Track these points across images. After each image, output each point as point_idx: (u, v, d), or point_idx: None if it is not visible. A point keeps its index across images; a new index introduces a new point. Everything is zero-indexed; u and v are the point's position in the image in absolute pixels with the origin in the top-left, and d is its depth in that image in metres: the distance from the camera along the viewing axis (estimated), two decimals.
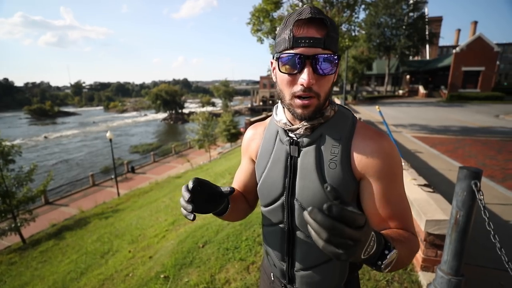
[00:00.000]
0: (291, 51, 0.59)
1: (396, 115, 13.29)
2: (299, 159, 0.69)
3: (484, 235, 2.39)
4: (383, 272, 0.50)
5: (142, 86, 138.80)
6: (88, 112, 77.22)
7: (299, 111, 0.63)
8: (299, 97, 0.61)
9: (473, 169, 1.38)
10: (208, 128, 19.16)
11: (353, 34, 9.80)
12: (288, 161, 0.70)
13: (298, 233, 0.72)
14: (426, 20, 27.25)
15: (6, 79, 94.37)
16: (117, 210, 9.12)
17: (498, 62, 25.01)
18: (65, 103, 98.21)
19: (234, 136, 21.09)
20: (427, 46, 33.92)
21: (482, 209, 1.27)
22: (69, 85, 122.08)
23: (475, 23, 48.77)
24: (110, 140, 13.80)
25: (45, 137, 37.13)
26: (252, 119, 22.53)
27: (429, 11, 33.81)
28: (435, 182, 3.93)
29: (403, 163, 3.03)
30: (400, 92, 30.60)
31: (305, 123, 0.67)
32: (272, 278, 0.85)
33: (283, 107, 0.73)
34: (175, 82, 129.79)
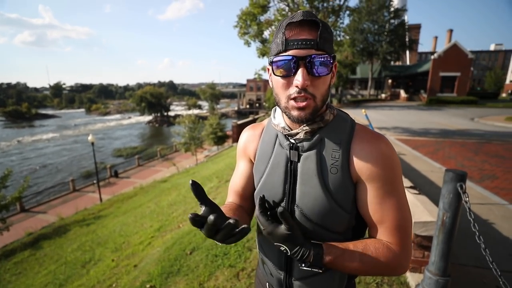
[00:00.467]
0: (284, 54, 0.59)
1: (380, 118, 13.69)
2: (299, 164, 0.67)
3: (465, 234, 2.47)
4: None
5: (126, 88, 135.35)
6: (69, 114, 74.31)
7: (295, 113, 0.62)
8: (294, 99, 0.60)
9: (459, 172, 1.42)
10: (194, 131, 18.93)
11: (338, 39, 10.03)
12: (288, 166, 0.69)
13: None
14: (406, 27, 28.45)
15: None
16: (99, 217, 8.76)
17: (472, 68, 26.42)
18: (43, 105, 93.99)
19: (221, 139, 20.96)
20: (407, 52, 35.36)
21: (467, 210, 1.30)
22: (48, 86, 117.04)
23: (451, 31, 51.48)
24: (92, 143, 13.31)
25: (18, 141, 34.87)
26: (239, 122, 22.48)
27: (409, 18, 35.32)
28: (419, 184, 4.06)
29: None
30: (383, 95, 31.63)
31: (305, 127, 0.66)
32: (267, 287, 0.82)
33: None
34: (161, 84, 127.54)
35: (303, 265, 0.62)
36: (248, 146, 0.80)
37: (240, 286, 2.10)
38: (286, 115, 0.65)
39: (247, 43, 10.13)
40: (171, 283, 2.41)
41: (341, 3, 9.34)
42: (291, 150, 0.68)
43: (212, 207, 0.56)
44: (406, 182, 2.51)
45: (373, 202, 0.64)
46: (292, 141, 0.68)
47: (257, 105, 51.94)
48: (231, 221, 0.50)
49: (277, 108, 0.74)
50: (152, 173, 17.40)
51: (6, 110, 60.02)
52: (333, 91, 28.84)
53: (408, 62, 39.29)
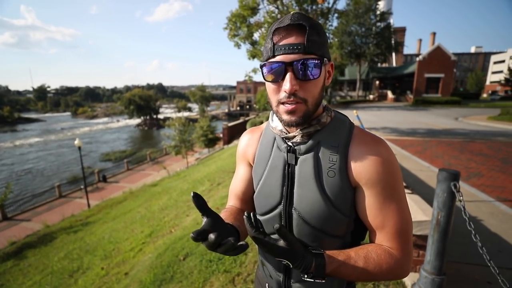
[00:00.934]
0: (273, 60, 0.59)
1: (369, 118, 13.95)
2: (296, 167, 0.67)
3: (458, 233, 2.52)
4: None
5: (114, 90, 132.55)
6: (54, 118, 72.07)
7: (285, 117, 0.62)
8: (284, 103, 0.61)
9: (452, 171, 1.44)
10: (184, 134, 18.71)
11: (328, 41, 10.17)
12: (286, 169, 0.68)
13: None
14: (392, 29, 29.22)
15: None
16: (87, 223, 8.50)
17: (455, 70, 27.37)
18: (27, 109, 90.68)
19: (212, 141, 20.80)
20: (393, 54, 36.30)
21: (462, 209, 1.32)
22: (31, 89, 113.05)
23: (434, 34, 53.24)
24: (79, 147, 12.93)
25: None
26: (230, 124, 22.40)
27: (394, 22, 36.29)
28: (409, 183, 4.13)
29: None
30: (371, 96, 32.31)
31: (302, 131, 0.66)
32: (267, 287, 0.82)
33: None
34: (150, 86, 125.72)
35: (306, 276, 0.60)
36: (247, 150, 0.81)
37: None
38: (278, 118, 0.66)
39: (237, 45, 10.12)
40: None
41: (330, 6, 9.48)
42: (288, 153, 0.68)
43: (214, 218, 0.56)
44: None
45: (373, 207, 0.63)
46: (290, 144, 0.68)
47: (247, 107, 51.97)
48: (231, 239, 0.52)
49: None
50: (142, 177, 17.07)
51: None
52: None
53: (394, 64, 40.34)
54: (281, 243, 0.57)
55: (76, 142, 12.98)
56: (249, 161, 0.81)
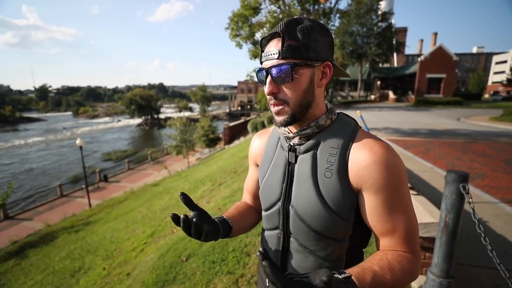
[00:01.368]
0: (260, 66, 0.68)
1: (370, 119, 13.90)
2: (296, 166, 0.70)
3: (463, 234, 2.50)
4: None
5: (115, 90, 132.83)
6: (55, 118, 72.27)
7: (275, 117, 0.68)
8: (272, 105, 0.67)
9: (461, 173, 1.42)
10: (185, 134, 18.73)
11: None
12: (287, 167, 0.72)
13: (292, 241, 0.72)
14: (393, 30, 29.15)
15: None
16: (88, 223, 8.50)
17: (456, 70, 27.30)
18: (28, 108, 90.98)
19: (213, 141, 20.80)
20: (395, 54, 36.26)
21: (472, 211, 1.30)
22: (33, 89, 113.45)
23: (435, 34, 53.10)
24: (81, 147, 12.96)
25: None
26: (231, 124, 22.39)
27: (396, 22, 36.21)
28: (412, 183, 4.10)
29: None
30: (372, 97, 32.24)
31: (300, 132, 0.69)
32: (267, 284, 0.83)
33: None
34: (151, 86, 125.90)
35: None
36: (255, 152, 0.87)
37: None
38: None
39: (239, 45, 10.10)
40: None
41: (332, 5, 9.45)
42: (289, 152, 0.72)
43: (200, 213, 0.68)
44: None
45: (382, 213, 0.62)
46: (291, 143, 0.72)
47: (248, 107, 51.94)
48: (206, 225, 0.65)
49: None
50: (143, 177, 17.09)
51: None
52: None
53: (396, 64, 40.28)
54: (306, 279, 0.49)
55: (78, 141, 13.01)
56: (256, 162, 0.88)
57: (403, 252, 0.63)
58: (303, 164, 0.69)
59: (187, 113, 53.47)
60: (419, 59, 26.48)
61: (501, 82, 38.53)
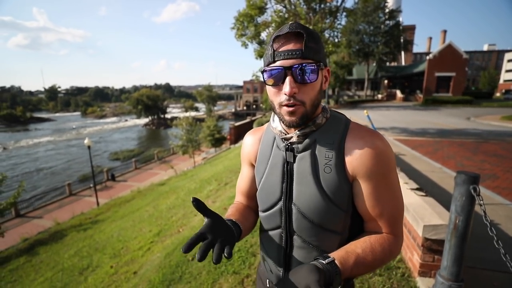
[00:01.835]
0: (273, 65, 0.64)
1: (377, 118, 13.73)
2: (295, 165, 0.71)
3: (473, 236, 2.44)
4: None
5: (122, 90, 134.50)
6: (64, 118, 73.66)
7: (287, 118, 0.66)
8: (286, 105, 0.65)
9: (471, 174, 1.39)
10: (191, 133, 18.84)
11: (336, 40, 10.05)
12: (285, 166, 0.73)
13: (295, 238, 0.74)
14: (401, 28, 28.67)
15: None
16: (96, 221, 8.63)
17: (466, 68, 26.73)
18: (38, 109, 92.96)
19: (219, 141, 20.88)
20: (403, 53, 35.66)
21: (483, 214, 1.27)
22: (43, 89, 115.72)
23: (445, 31, 52.10)
24: (89, 147, 13.17)
25: (4, 148, 33.02)
26: (237, 124, 22.43)
27: (403, 20, 35.64)
28: (420, 184, 4.03)
29: None
30: (379, 96, 31.83)
31: (297, 132, 0.70)
32: (267, 284, 0.85)
33: None
34: (157, 86, 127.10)
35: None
36: (249, 151, 0.86)
37: None
38: (280, 119, 0.70)
39: (244, 45, 10.10)
40: None
41: (338, 4, 9.36)
42: (287, 152, 0.72)
43: (214, 219, 0.63)
44: (412, 184, 2.47)
45: (372, 198, 0.67)
46: (288, 143, 0.72)
47: (254, 106, 51.93)
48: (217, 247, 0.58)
49: None
50: (149, 176, 17.27)
51: (1, 114, 59.34)
52: (329, 92, 28.95)
53: (403, 63, 39.67)
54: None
55: (86, 141, 13.22)
56: (251, 161, 0.86)
57: (386, 234, 0.69)
58: (302, 162, 0.70)
59: (193, 113, 53.67)
60: (427, 57, 25.99)
61: None
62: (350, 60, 27.06)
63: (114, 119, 67.17)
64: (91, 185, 14.29)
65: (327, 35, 9.72)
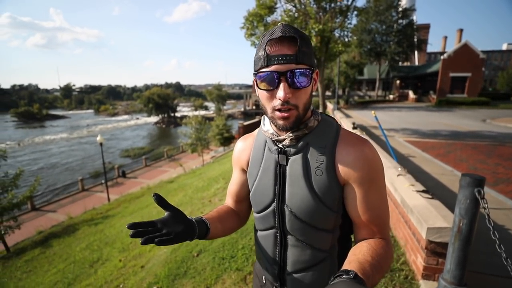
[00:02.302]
0: (267, 69, 0.63)
1: (388, 119, 13.49)
2: (287, 167, 0.72)
3: (481, 241, 2.39)
4: None
5: (134, 89, 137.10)
6: (78, 115, 75.74)
7: (280, 122, 0.67)
8: (279, 110, 0.65)
9: (476, 177, 1.36)
10: (201, 132, 19.02)
11: (346, 39, 9.93)
12: (277, 169, 0.74)
13: (289, 238, 0.76)
14: (415, 27, 27.99)
15: None
16: (107, 216, 8.87)
17: (483, 69, 25.83)
18: (54, 106, 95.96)
19: (227, 140, 21.00)
20: (416, 52, 34.82)
21: (486, 217, 1.25)
22: (58, 87, 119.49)
23: (461, 30, 50.49)
24: (101, 144, 13.51)
25: (18, 144, 34.15)
26: (246, 123, 22.52)
27: (417, 18, 34.79)
28: (429, 187, 3.95)
29: (399, 169, 3.02)
30: (391, 96, 31.21)
31: (290, 134, 0.70)
32: (264, 281, 0.87)
33: None
34: (168, 85, 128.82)
35: None
36: (240, 156, 0.87)
37: None
38: (273, 123, 0.71)
39: (254, 44, 10.12)
40: (178, 285, 2.40)
41: (349, 3, 9.24)
42: (279, 155, 0.73)
43: (174, 213, 0.67)
44: (418, 186, 2.44)
45: (363, 203, 0.68)
46: (280, 146, 0.73)
47: None
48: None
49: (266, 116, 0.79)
50: (159, 174, 17.56)
51: (19, 111, 61.56)
52: (340, 92, 28.62)
53: (416, 63, 38.72)
54: None
55: (98, 138, 13.56)
56: (242, 167, 0.87)
57: (380, 238, 0.69)
58: (294, 165, 0.71)
59: (202, 112, 54.18)
60: (442, 57, 25.28)
61: None
62: (361, 59, 26.64)
63: (125, 117, 68.52)
64: (103, 181, 14.66)
65: (337, 35, 9.62)
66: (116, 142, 34.34)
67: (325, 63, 10.12)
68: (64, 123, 58.95)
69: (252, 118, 35.75)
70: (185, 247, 3.20)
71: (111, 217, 8.58)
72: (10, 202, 8.36)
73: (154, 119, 53.00)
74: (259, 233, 0.84)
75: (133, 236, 0.58)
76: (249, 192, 0.84)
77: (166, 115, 51.61)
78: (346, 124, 8.44)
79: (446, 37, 57.80)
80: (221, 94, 54.78)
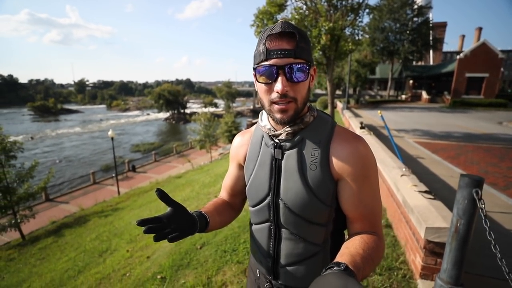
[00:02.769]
0: (266, 63, 0.65)
1: (398, 120, 13.24)
2: (283, 162, 0.74)
3: (483, 244, 2.36)
4: None
5: (145, 85, 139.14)
6: (91, 110, 77.62)
7: (278, 115, 0.68)
8: (276, 103, 0.67)
9: (475, 177, 1.36)
10: (209, 129, 19.21)
11: (357, 38, 9.78)
12: (273, 163, 0.76)
13: (283, 231, 0.77)
14: (430, 25, 27.18)
15: (10, 76, 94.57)
16: (116, 209, 9.13)
17: (502, 69, 24.88)
18: (68, 101, 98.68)
19: None
20: (431, 52, 33.87)
21: (483, 218, 1.25)
22: (72, 82, 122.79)
23: (480, 29, 48.62)
24: (112, 138, 13.85)
25: (31, 137, 35.00)
26: (254, 121, 22.54)
27: (434, 16, 33.76)
28: (437, 189, 3.90)
29: (404, 169, 3.00)
30: (403, 97, 30.53)
31: (287, 129, 0.72)
32: (258, 275, 0.89)
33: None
34: (178, 82, 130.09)
35: None
36: (238, 151, 0.88)
37: (246, 283, 2.13)
38: (271, 117, 0.72)
39: None
40: (180, 275, 2.48)
41: (361, 1, 9.09)
42: (275, 149, 0.75)
43: (176, 208, 0.67)
44: (421, 186, 2.42)
45: (356, 199, 0.70)
46: (277, 140, 0.75)
47: None
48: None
49: (264, 111, 0.80)
50: (167, 169, 17.87)
51: (35, 105, 63.63)
52: (350, 91, 28.17)
53: (431, 62, 37.64)
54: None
55: (110, 133, 13.91)
56: (239, 162, 0.88)
57: (372, 233, 0.70)
58: (289, 159, 0.73)
59: (212, 109, 54.48)
60: (457, 56, 24.49)
61: None
62: (373, 58, 26.10)
63: (136, 112, 69.76)
64: (113, 175, 15.04)
65: (347, 33, 9.49)
66: (127, 137, 35.07)
67: (335, 61, 10.01)
68: (77, 117, 60.57)
69: None
70: (189, 240, 3.29)
71: (121, 210, 8.82)
72: (26, 192, 8.74)
73: (164, 115, 53.75)
74: (254, 226, 0.85)
75: (146, 232, 0.60)
76: (244, 186, 0.86)
77: (176, 112, 52.22)
78: (354, 124, 8.35)
79: (463, 36, 55.73)
80: (231, 92, 54.94)
